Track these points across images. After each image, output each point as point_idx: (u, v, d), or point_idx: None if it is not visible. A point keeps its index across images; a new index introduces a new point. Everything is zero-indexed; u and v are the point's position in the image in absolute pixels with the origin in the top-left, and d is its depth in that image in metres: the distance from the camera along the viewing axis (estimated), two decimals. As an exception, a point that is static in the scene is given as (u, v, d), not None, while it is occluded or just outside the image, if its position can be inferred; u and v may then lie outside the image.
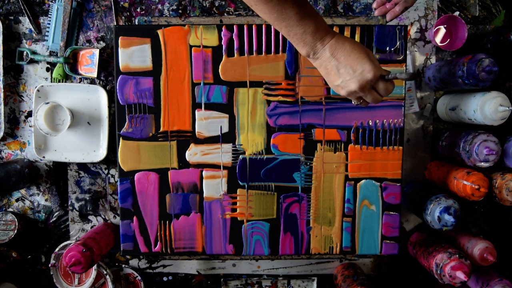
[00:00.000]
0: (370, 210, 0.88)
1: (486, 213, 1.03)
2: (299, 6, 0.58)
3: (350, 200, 0.88)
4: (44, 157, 0.98)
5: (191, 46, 0.84)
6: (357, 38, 0.84)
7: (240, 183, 0.87)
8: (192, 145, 0.87)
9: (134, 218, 0.88)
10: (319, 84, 0.85)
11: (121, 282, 1.05)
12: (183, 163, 0.87)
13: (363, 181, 0.87)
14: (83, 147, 0.99)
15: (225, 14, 1.00)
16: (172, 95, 0.85)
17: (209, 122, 0.86)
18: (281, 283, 1.06)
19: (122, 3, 0.99)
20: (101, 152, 0.98)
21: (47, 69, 1.00)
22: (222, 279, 1.06)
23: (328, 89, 0.85)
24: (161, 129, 0.86)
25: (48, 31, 0.99)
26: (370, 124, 0.86)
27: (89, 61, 0.98)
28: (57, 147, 0.99)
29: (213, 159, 0.87)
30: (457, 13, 0.99)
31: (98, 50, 0.97)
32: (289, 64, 0.85)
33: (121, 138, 0.86)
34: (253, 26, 0.84)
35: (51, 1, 0.99)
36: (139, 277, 1.04)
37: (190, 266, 1.05)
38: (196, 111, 0.86)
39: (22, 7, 0.99)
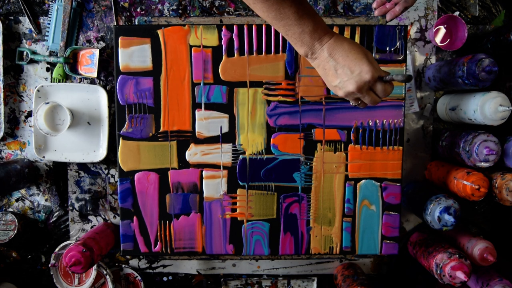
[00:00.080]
0: (370, 210, 0.88)
1: (486, 213, 1.03)
2: (297, 5, 0.58)
3: (350, 200, 0.88)
4: (44, 157, 0.98)
5: (191, 46, 0.84)
6: (357, 38, 0.84)
7: (240, 183, 0.87)
8: (192, 145, 0.87)
9: (134, 218, 0.88)
10: (319, 84, 0.85)
11: (121, 282, 1.05)
12: (183, 163, 0.87)
13: (363, 181, 0.87)
14: (83, 147, 0.99)
15: (225, 14, 1.00)
16: (172, 95, 0.85)
17: (209, 122, 0.86)
18: (281, 283, 1.06)
19: (122, 3, 0.99)
20: (101, 152, 0.98)
21: (47, 69, 1.00)
22: (222, 279, 1.06)
23: (328, 89, 0.85)
24: (161, 129, 0.86)
25: (48, 31, 0.99)
26: (370, 124, 0.86)
27: (89, 61, 0.98)
28: (57, 147, 0.99)
29: (213, 159, 0.87)
30: (457, 13, 0.99)
31: (98, 50, 0.97)
32: (289, 64, 0.85)
33: (121, 138, 0.86)
34: (253, 26, 0.84)
35: (51, 1, 0.99)
36: (139, 277, 1.04)
37: (190, 266, 1.05)
38: (196, 111, 0.86)
39: (22, 7, 0.99)
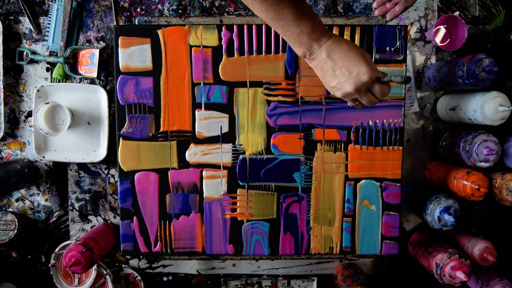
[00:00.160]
0: (370, 210, 0.88)
1: (486, 213, 1.03)
2: (296, 6, 0.58)
3: (350, 200, 0.88)
4: (44, 157, 0.98)
5: (191, 46, 0.84)
6: (357, 38, 0.84)
7: (240, 183, 0.87)
8: (192, 145, 0.87)
9: (134, 218, 0.88)
10: (319, 84, 0.85)
11: (121, 282, 1.05)
12: (183, 163, 0.87)
13: (363, 181, 0.87)
14: (83, 147, 0.99)
15: (225, 14, 1.00)
16: (172, 95, 0.85)
17: (209, 122, 0.86)
18: (281, 283, 1.06)
19: (122, 3, 0.99)
20: (101, 152, 0.98)
21: (47, 69, 1.00)
22: (222, 279, 1.06)
23: (328, 89, 0.85)
24: (161, 129, 0.86)
25: (48, 31, 0.99)
26: (370, 124, 0.86)
27: (89, 61, 0.98)
28: (57, 147, 0.99)
29: (213, 159, 0.87)
30: (457, 13, 0.99)
31: (98, 50, 0.97)
32: (289, 64, 0.85)
33: (121, 138, 0.86)
34: (253, 26, 0.84)
35: (51, 1, 0.99)
36: (139, 277, 1.04)
37: (190, 266, 1.05)
38: (196, 111, 0.86)
39: (22, 7, 0.99)
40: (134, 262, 1.05)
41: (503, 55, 0.91)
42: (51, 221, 1.04)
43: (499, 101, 0.85)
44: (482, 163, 0.85)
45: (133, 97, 0.85)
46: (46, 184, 1.03)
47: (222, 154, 0.87)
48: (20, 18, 1.00)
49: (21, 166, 0.97)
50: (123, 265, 1.05)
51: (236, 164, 0.87)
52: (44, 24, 1.00)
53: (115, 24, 1.00)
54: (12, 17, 0.99)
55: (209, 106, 0.86)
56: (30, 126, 1.01)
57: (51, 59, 0.98)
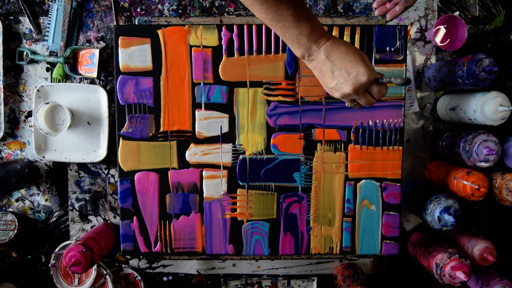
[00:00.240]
0: (370, 210, 0.88)
1: (486, 213, 1.03)
2: (295, 8, 0.59)
3: (350, 200, 0.88)
4: (44, 157, 0.98)
5: (191, 46, 0.84)
6: (357, 38, 0.84)
7: (240, 183, 0.87)
8: (192, 145, 0.87)
9: (134, 218, 0.88)
10: (319, 84, 0.84)
11: (121, 282, 1.05)
12: (183, 163, 0.87)
13: (363, 181, 0.87)
14: (83, 147, 0.99)
15: (225, 14, 1.00)
16: (172, 95, 0.85)
17: (209, 122, 0.86)
18: (281, 283, 1.06)
19: (122, 3, 0.99)
20: (101, 152, 0.98)
21: (47, 69, 1.00)
22: (222, 279, 1.06)
23: (328, 89, 0.85)
24: (161, 129, 0.86)
25: (48, 31, 0.99)
26: (370, 124, 0.86)
27: (89, 61, 0.98)
28: (57, 147, 0.99)
29: (213, 159, 0.87)
30: (457, 13, 0.99)
31: (98, 50, 0.97)
32: (289, 64, 0.85)
33: (121, 138, 0.86)
34: (253, 26, 0.84)
35: (51, 1, 0.99)
36: (139, 277, 1.04)
37: (190, 266, 1.06)
38: (196, 111, 0.86)
39: (22, 7, 0.99)
40: (134, 262, 1.06)
41: (503, 55, 0.91)
42: (51, 221, 1.04)
43: (499, 101, 0.85)
44: (482, 163, 0.85)
45: (133, 97, 0.85)
46: (46, 184, 1.03)
47: (222, 154, 0.87)
48: (20, 18, 1.00)
49: (21, 166, 0.97)
50: (123, 265, 1.05)
51: (236, 164, 0.87)
52: (44, 24, 1.00)
53: (115, 24, 1.00)
54: (12, 17, 0.99)
55: (209, 106, 0.86)
56: (30, 126, 1.01)
57: (51, 59, 0.98)
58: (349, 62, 0.62)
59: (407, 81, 0.62)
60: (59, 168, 1.03)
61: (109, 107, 0.97)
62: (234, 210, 0.88)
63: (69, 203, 1.03)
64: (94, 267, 0.99)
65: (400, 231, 0.90)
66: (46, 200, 1.03)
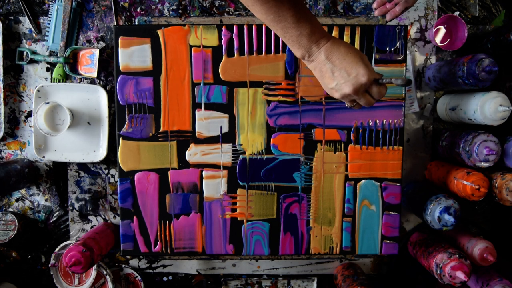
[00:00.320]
0: (370, 210, 0.88)
1: (486, 213, 1.03)
2: (295, 9, 0.59)
3: (350, 200, 0.88)
4: (44, 157, 0.98)
5: (191, 46, 0.84)
6: (357, 38, 0.84)
7: (240, 183, 0.87)
8: (192, 145, 0.87)
9: (134, 218, 0.88)
10: (319, 84, 0.84)
11: (121, 282, 1.05)
12: (183, 163, 0.87)
13: (363, 181, 0.87)
14: (83, 147, 0.99)
15: (225, 14, 1.00)
16: (172, 95, 0.85)
17: (209, 122, 0.86)
18: (281, 283, 1.06)
19: (122, 3, 0.99)
20: (101, 152, 0.98)
21: (47, 69, 1.00)
22: (222, 279, 1.06)
23: (328, 89, 0.85)
24: (161, 129, 0.86)
25: (48, 31, 0.99)
26: (370, 124, 0.86)
27: (89, 61, 0.98)
28: (57, 147, 0.99)
29: (213, 159, 0.87)
30: (457, 13, 0.99)
31: (98, 50, 0.97)
32: (289, 64, 0.85)
33: (121, 138, 0.86)
34: (253, 26, 0.84)
35: (51, 1, 0.99)
36: (139, 277, 1.04)
37: (190, 266, 1.06)
38: (196, 111, 0.86)
39: (22, 7, 0.99)
40: (134, 262, 1.06)
41: (503, 55, 0.91)
42: (51, 221, 1.04)
43: (499, 101, 0.85)
44: (482, 163, 0.85)
45: (133, 97, 0.85)
46: (46, 184, 1.03)
47: (222, 154, 0.87)
48: (20, 18, 1.00)
49: (21, 166, 0.97)
50: (123, 265, 1.05)
51: (236, 164, 0.87)
52: (44, 24, 1.00)
53: (115, 24, 1.00)
54: (12, 17, 0.99)
55: (209, 106, 0.86)
56: (30, 126, 1.01)
57: (51, 59, 0.98)
58: (349, 63, 0.62)
59: (407, 82, 0.63)
60: (59, 168, 1.03)
61: (109, 107, 0.97)
62: (234, 210, 0.88)
63: (69, 203, 1.03)
64: (94, 267, 0.99)
65: (400, 231, 0.90)
66: (46, 200, 1.03)
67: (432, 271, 0.88)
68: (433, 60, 1.01)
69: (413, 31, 1.00)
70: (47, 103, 0.93)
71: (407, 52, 0.92)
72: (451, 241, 0.96)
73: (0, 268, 1.05)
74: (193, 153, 0.87)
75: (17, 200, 1.03)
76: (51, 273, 1.00)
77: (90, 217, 1.04)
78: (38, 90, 0.96)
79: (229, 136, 0.86)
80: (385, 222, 0.88)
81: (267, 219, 0.88)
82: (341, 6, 1.00)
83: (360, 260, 1.05)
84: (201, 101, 0.85)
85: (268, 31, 0.84)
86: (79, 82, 1.00)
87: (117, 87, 0.85)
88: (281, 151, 0.87)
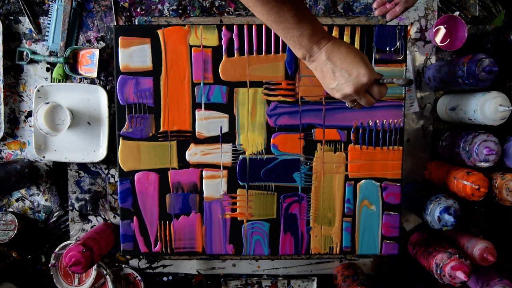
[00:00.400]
0: (370, 210, 0.88)
1: (486, 213, 1.03)
2: (296, 9, 0.59)
3: (350, 200, 0.88)
4: (44, 157, 0.98)
5: (191, 46, 0.84)
6: (357, 38, 0.84)
7: (240, 183, 0.87)
8: (192, 145, 0.87)
9: (134, 218, 0.88)
10: (319, 84, 0.84)
11: (121, 282, 1.05)
12: (183, 163, 0.87)
13: (363, 181, 0.87)
14: (83, 147, 0.99)
15: (225, 14, 1.00)
16: (172, 95, 0.85)
17: (209, 122, 0.86)
18: (281, 283, 1.06)
19: (122, 3, 0.99)
20: (101, 152, 0.98)
21: (47, 69, 1.00)
22: (222, 279, 1.06)
23: (328, 89, 0.85)
24: (161, 129, 0.86)
25: (48, 31, 0.99)
26: (370, 124, 0.86)
27: (89, 61, 0.98)
28: (57, 147, 0.99)
29: (213, 159, 0.87)
30: (457, 13, 0.99)
31: (98, 50, 0.97)
32: (289, 64, 0.85)
33: (121, 138, 0.86)
34: (253, 26, 0.84)
35: (51, 1, 0.99)
36: (139, 277, 1.04)
37: (190, 266, 1.06)
38: (196, 111, 0.86)
39: (22, 7, 0.99)
40: (134, 262, 1.06)
41: (503, 55, 0.91)
42: (51, 221, 1.04)
43: (499, 101, 0.85)
44: (482, 163, 0.85)
45: (133, 97, 0.85)
46: (46, 184, 1.03)
47: (222, 154, 0.87)
48: (20, 18, 1.00)
49: (21, 166, 0.97)
50: (123, 265, 1.05)
51: (236, 164, 0.87)
52: (44, 24, 1.00)
53: (115, 24, 1.00)
54: (12, 17, 0.99)
55: (209, 106, 0.86)
56: (30, 126, 1.01)
57: (51, 59, 0.98)
58: (350, 63, 0.62)
59: (409, 82, 0.63)
60: (59, 168, 1.03)
61: (109, 107, 0.97)
62: (234, 210, 0.88)
63: (69, 203, 1.03)
64: (94, 267, 0.99)
65: (400, 231, 0.90)
66: (46, 200, 1.03)
67: (432, 271, 0.88)
68: (433, 60, 1.01)
69: (413, 31, 1.00)
70: (47, 103, 0.93)
71: (407, 52, 0.92)
72: (451, 241, 0.96)
73: (0, 268, 1.05)
74: (193, 153, 0.87)
75: (17, 200, 1.03)
76: (51, 273, 1.00)
77: (90, 217, 1.04)
78: (38, 90, 0.96)
79: (229, 136, 0.86)
80: (385, 222, 0.88)
81: (267, 219, 0.88)
82: (341, 6, 1.00)
83: (360, 260, 1.05)
84: (201, 101, 0.86)
85: (268, 31, 0.84)
86: (79, 82, 1.00)
87: (117, 87, 0.85)
88: (281, 151, 0.87)
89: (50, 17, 0.98)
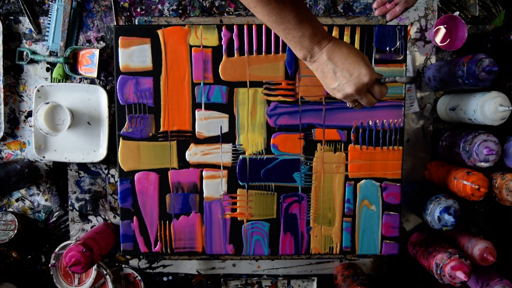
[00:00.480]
0: (370, 210, 0.88)
1: (486, 213, 1.03)
2: (297, 10, 0.59)
3: (350, 200, 0.88)
4: (44, 157, 0.98)
5: (191, 46, 0.84)
6: (357, 38, 0.84)
7: (240, 183, 0.87)
8: (192, 145, 0.87)
9: (134, 218, 0.88)
10: (319, 84, 0.84)
11: (121, 282, 1.05)
12: (183, 163, 0.87)
13: (363, 181, 0.87)
14: (83, 147, 0.99)
15: (225, 14, 1.00)
16: (172, 95, 0.85)
17: (209, 122, 0.86)
18: (281, 283, 1.06)
19: (122, 3, 0.99)
20: (101, 152, 0.98)
21: (47, 69, 1.00)
22: (222, 279, 1.06)
23: (328, 89, 0.85)
24: (161, 129, 0.86)
25: (48, 31, 0.99)
26: (370, 124, 0.86)
27: (89, 61, 0.98)
28: (57, 147, 0.99)
29: (213, 159, 0.87)
30: (457, 13, 0.99)
31: (98, 50, 0.97)
32: (289, 64, 0.85)
33: (121, 138, 0.86)
34: (253, 26, 0.84)
35: (51, 1, 0.99)
36: (139, 277, 1.04)
37: (190, 266, 1.06)
38: (196, 111, 0.86)
39: (22, 7, 0.99)
40: (134, 262, 1.06)
41: (503, 55, 0.91)
42: (51, 221, 1.04)
43: (499, 101, 0.85)
44: (482, 163, 0.85)
45: (133, 97, 0.85)
46: (46, 184, 1.03)
47: (222, 154, 0.87)
48: (20, 18, 1.00)
49: (21, 166, 0.97)
50: (123, 265, 1.05)
51: (236, 164, 0.87)
52: (44, 24, 1.00)
53: (115, 24, 1.00)
54: (12, 17, 0.99)
55: (209, 106, 0.86)
56: (30, 126, 1.01)
57: (51, 59, 0.98)
58: (351, 63, 0.62)
59: (412, 80, 0.63)
60: (59, 168, 1.03)
61: (109, 107, 0.97)
62: (234, 210, 0.88)
63: (69, 203, 1.03)
64: (94, 267, 0.99)
65: (400, 231, 0.90)
66: (46, 200, 1.03)
67: (432, 271, 0.88)
68: (433, 60, 1.01)
69: (413, 31, 1.00)
70: (47, 103, 0.93)
71: (407, 52, 0.92)
72: (451, 241, 0.96)
73: (0, 268, 1.05)
74: (193, 153, 0.87)
75: (17, 200, 1.03)
76: (51, 273, 1.00)
77: (90, 217, 1.04)
78: (38, 90, 0.96)
79: (229, 136, 0.86)
80: (385, 222, 0.88)
81: (267, 219, 0.88)
82: (341, 6, 1.00)
83: (360, 260, 1.05)
84: (201, 101, 0.86)
85: (268, 31, 0.84)
86: (79, 82, 1.00)
87: (117, 87, 0.85)
88: (281, 151, 0.87)
89: (50, 17, 0.98)
